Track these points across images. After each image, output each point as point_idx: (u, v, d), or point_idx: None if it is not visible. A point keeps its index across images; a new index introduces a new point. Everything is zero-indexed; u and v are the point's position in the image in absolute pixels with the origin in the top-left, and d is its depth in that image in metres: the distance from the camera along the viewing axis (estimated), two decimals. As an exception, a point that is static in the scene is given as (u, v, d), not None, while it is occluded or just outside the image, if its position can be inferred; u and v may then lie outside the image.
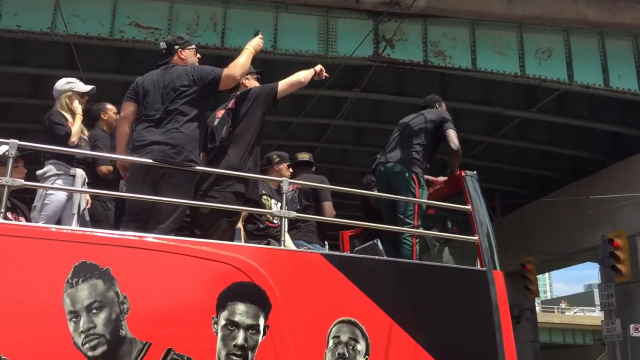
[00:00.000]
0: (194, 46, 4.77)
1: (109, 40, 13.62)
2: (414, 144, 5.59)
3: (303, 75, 4.76)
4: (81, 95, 5.18)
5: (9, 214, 3.86)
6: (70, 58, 14.04)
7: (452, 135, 5.60)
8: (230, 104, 4.68)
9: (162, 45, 4.68)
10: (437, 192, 5.72)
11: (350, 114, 16.50)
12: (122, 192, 4.55)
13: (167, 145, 4.15)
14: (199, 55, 4.80)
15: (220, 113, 4.71)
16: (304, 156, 6.10)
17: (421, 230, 5.22)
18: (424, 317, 4.50)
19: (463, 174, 5.19)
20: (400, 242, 5.25)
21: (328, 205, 5.72)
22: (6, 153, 3.64)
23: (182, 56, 4.62)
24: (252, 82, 4.81)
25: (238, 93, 4.72)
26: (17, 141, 3.69)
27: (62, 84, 5.22)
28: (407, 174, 5.40)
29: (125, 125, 4.47)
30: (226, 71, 4.49)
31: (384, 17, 13.45)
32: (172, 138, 4.18)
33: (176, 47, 4.62)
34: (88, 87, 5.26)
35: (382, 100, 16.66)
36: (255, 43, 4.74)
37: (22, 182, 3.79)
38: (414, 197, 5.34)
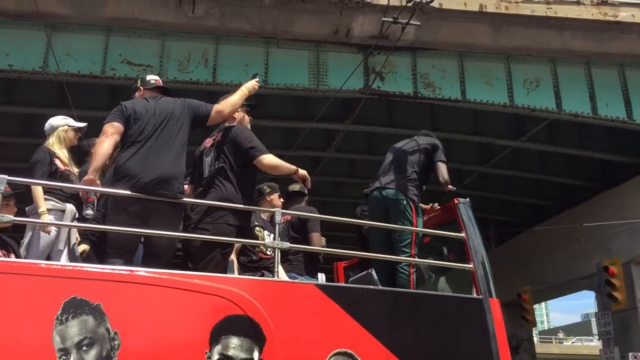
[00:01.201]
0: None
1: (100, 78, 13.72)
2: (409, 170, 5.60)
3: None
4: (75, 130, 5.20)
5: (-2, 251, 3.81)
6: (61, 96, 14.12)
7: (442, 168, 5.61)
8: (218, 136, 4.67)
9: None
10: (431, 220, 5.71)
11: (342, 147, 16.59)
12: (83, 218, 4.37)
13: (159, 178, 4.12)
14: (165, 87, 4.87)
15: (208, 143, 4.69)
16: (295, 187, 6.09)
17: (417, 259, 5.18)
18: (421, 347, 4.43)
19: (456, 201, 5.19)
20: (397, 272, 5.19)
21: (316, 236, 5.67)
22: None
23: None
24: (239, 115, 4.79)
25: (226, 125, 4.71)
26: (6, 176, 3.66)
27: (59, 119, 5.24)
28: (404, 202, 5.39)
29: (110, 144, 4.21)
30: (216, 107, 4.58)
31: (373, 50, 13.65)
32: (163, 170, 4.15)
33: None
34: (82, 124, 5.27)
35: (374, 132, 16.78)
36: (250, 85, 4.83)
37: (11, 217, 3.75)
38: (411, 225, 5.32)
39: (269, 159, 4.48)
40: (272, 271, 4.44)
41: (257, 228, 4.96)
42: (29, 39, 13.27)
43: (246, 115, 4.84)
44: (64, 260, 4.59)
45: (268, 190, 5.62)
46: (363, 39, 13.99)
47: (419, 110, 15.54)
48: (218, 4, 13.41)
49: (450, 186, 5.61)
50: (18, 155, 16.06)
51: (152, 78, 4.81)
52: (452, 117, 15.74)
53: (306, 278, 5.40)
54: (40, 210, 4.55)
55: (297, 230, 5.74)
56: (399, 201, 5.41)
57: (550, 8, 13.75)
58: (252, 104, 4.86)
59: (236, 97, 4.67)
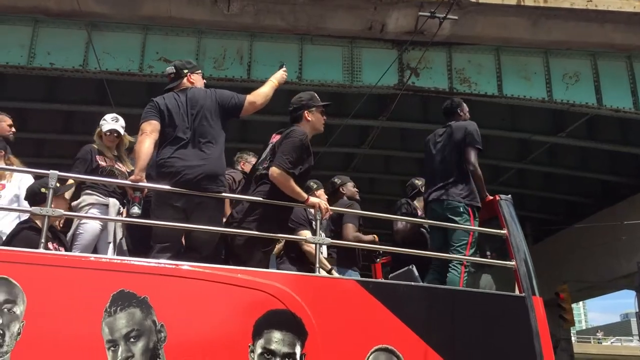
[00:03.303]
0: (201, 71, 4.80)
1: (138, 76, 13.95)
2: (454, 173, 5.48)
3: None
4: (107, 133, 5.26)
5: (49, 244, 3.91)
6: (100, 94, 14.42)
7: (469, 155, 5.46)
8: (276, 137, 4.59)
9: (170, 69, 4.66)
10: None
11: (376, 143, 16.52)
12: (130, 216, 4.42)
13: (204, 174, 4.17)
14: (204, 80, 4.82)
15: (274, 138, 4.61)
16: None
17: (459, 256, 5.11)
18: (463, 345, 4.39)
19: (497, 198, 5.12)
20: (449, 269, 5.15)
21: (350, 227, 5.74)
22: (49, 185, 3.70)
23: (192, 80, 4.62)
24: (315, 115, 4.67)
25: (294, 125, 4.62)
26: (57, 172, 3.75)
27: (103, 118, 5.34)
28: (460, 208, 5.31)
29: (151, 143, 4.21)
30: (249, 98, 4.56)
31: (408, 45, 13.55)
32: (208, 166, 4.20)
33: (185, 71, 4.63)
34: (108, 127, 5.30)
35: (409, 128, 16.65)
36: (279, 75, 4.83)
37: (61, 212, 3.85)
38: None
39: (280, 177, 4.24)
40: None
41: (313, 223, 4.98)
42: (69, 37, 13.59)
43: (320, 116, 4.70)
44: (110, 253, 4.70)
45: (315, 186, 5.68)
46: (397, 34, 13.90)
47: (455, 106, 15.35)
48: (253, 1, 13.50)
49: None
50: (60, 152, 16.51)
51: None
52: (488, 113, 15.50)
53: (346, 272, 5.42)
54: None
55: (336, 224, 5.81)
56: (455, 210, 5.33)
57: (591, 1, 13.42)
58: (327, 103, 4.79)
59: (267, 88, 4.66)
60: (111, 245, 4.78)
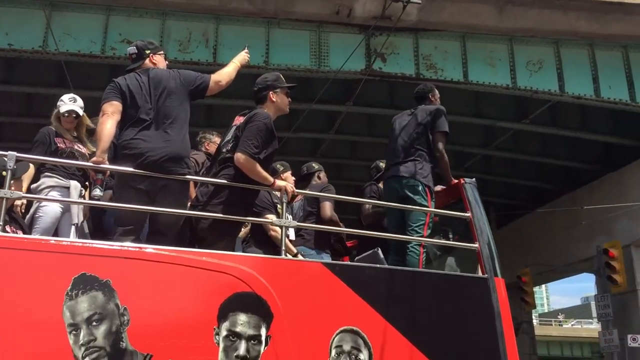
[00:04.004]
0: (163, 52, 4.73)
1: (100, 58, 13.62)
2: (416, 152, 5.55)
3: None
4: (64, 115, 5.12)
5: (7, 227, 3.80)
6: (61, 76, 14.04)
7: (438, 140, 5.53)
8: (241, 119, 4.53)
9: (132, 50, 4.56)
10: (436, 200, 5.70)
11: (343, 128, 16.55)
12: (92, 198, 4.31)
13: (168, 156, 4.11)
14: (167, 62, 4.75)
15: (237, 120, 4.56)
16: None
17: (422, 238, 5.19)
18: (426, 325, 4.46)
19: (462, 181, 5.19)
20: (408, 251, 5.21)
21: (327, 205, 5.76)
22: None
23: (154, 61, 4.55)
24: (280, 96, 4.63)
25: (258, 107, 4.58)
26: (15, 153, 3.65)
27: (60, 99, 5.19)
28: (419, 187, 5.37)
29: (113, 124, 4.13)
30: (214, 77, 4.54)
31: (374, 30, 13.55)
32: (172, 148, 4.14)
33: (147, 51, 4.55)
34: (66, 108, 5.15)
35: (375, 113, 16.71)
36: (241, 57, 4.83)
37: (20, 194, 3.76)
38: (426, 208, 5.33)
39: (246, 162, 4.21)
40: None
41: (278, 207, 4.98)
42: (28, 17, 13.15)
43: (285, 97, 4.67)
44: (72, 236, 4.60)
45: (282, 168, 5.67)
46: (365, 19, 13.87)
47: (421, 91, 15.45)
48: (218, -18, 13.30)
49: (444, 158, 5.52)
50: (19, 135, 16.06)
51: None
52: (454, 99, 15.60)
53: (317, 252, 5.45)
54: None
55: (312, 204, 5.84)
56: (414, 188, 5.38)
57: (556, -12, 13.63)
58: (292, 85, 4.75)
59: (230, 69, 4.67)
60: (73, 228, 4.68)
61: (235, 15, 13.86)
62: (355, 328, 4.12)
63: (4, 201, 3.57)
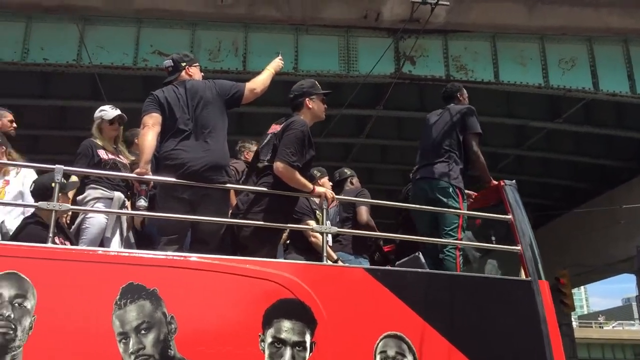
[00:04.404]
0: (198, 64, 4.81)
1: (133, 70, 13.86)
2: (446, 153, 5.50)
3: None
4: (110, 122, 5.22)
5: (56, 239, 3.88)
6: (94, 89, 14.36)
7: (471, 142, 5.47)
8: (277, 127, 4.55)
9: (168, 63, 4.65)
10: (475, 204, 5.64)
11: (373, 132, 16.51)
12: (137, 209, 4.37)
13: (209, 165, 4.16)
14: (202, 73, 4.82)
15: (274, 129, 4.59)
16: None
17: (464, 242, 5.13)
18: (470, 329, 4.40)
19: (502, 183, 5.12)
20: (444, 255, 5.16)
21: (363, 209, 5.76)
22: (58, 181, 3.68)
23: (190, 73, 4.62)
24: (316, 103, 4.66)
25: (294, 114, 4.60)
26: (62, 166, 3.73)
27: (98, 110, 5.29)
28: (449, 189, 5.32)
29: (153, 136, 4.22)
30: (249, 85, 4.59)
31: (403, 34, 13.51)
32: (212, 157, 4.19)
33: (183, 64, 4.63)
34: (114, 114, 5.27)
35: (405, 117, 16.64)
36: (275, 64, 4.87)
37: (68, 206, 3.85)
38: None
39: (285, 171, 4.21)
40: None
41: (317, 212, 5.00)
42: (62, 32, 13.47)
43: (321, 104, 4.70)
44: (115, 246, 4.68)
45: (318, 174, 5.69)
46: (393, 22, 13.84)
47: (451, 93, 15.33)
48: (246, -9, 13.43)
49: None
50: (55, 148, 16.43)
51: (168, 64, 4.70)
52: (485, 100, 15.46)
53: (356, 258, 5.45)
54: None
55: (348, 209, 5.85)
56: (444, 190, 5.33)
57: (586, -16, 13.42)
58: (328, 92, 4.77)
59: (264, 76, 4.72)
60: (118, 239, 4.76)
61: (264, 23, 13.98)
62: (399, 333, 4.09)
63: (53, 213, 3.65)
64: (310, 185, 4.36)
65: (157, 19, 13.78)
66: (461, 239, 5.21)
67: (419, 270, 4.59)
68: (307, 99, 4.60)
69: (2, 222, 4.43)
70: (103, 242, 4.73)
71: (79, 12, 13.21)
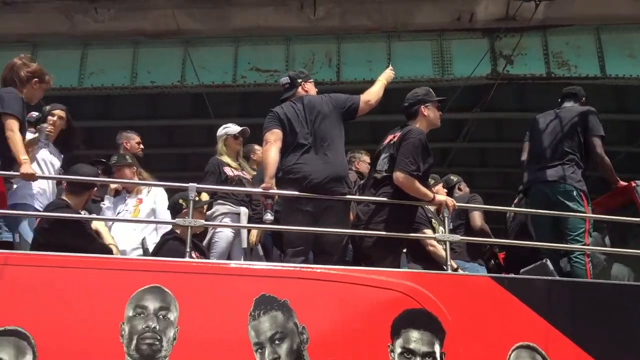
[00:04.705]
0: (312, 80, 4.92)
1: (232, 87, 14.36)
2: (566, 156, 5.30)
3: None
4: (235, 137, 5.47)
5: (192, 253, 4.08)
6: (196, 107, 15.00)
7: (596, 145, 5.38)
8: (395, 136, 4.57)
9: (285, 80, 4.82)
10: (600, 205, 5.37)
11: (472, 136, 16.11)
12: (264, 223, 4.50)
13: (330, 177, 4.23)
14: (316, 89, 4.92)
15: (388, 139, 4.67)
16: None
17: (593, 247, 4.89)
18: (609, 339, 4.17)
19: (633, 184, 4.85)
20: (572, 262, 4.94)
21: (476, 215, 5.71)
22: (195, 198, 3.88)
23: (305, 88, 4.75)
24: (431, 110, 4.70)
25: (409, 124, 4.63)
26: (195, 184, 3.93)
27: (221, 128, 5.56)
28: (574, 193, 5.11)
29: (276, 151, 4.36)
30: (364, 97, 4.66)
31: (499, 33, 13.13)
32: (333, 169, 4.26)
33: (299, 80, 4.78)
34: (238, 129, 5.52)
35: (504, 118, 16.11)
36: (386, 75, 4.99)
37: (202, 222, 4.04)
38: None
39: (405, 181, 4.24)
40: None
41: (433, 221, 4.97)
42: (167, 56, 14.21)
43: (436, 110, 4.73)
44: (243, 259, 4.87)
45: (432, 182, 5.65)
46: (487, 22, 13.49)
47: (553, 91, 14.57)
48: (338, 3, 13.55)
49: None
50: (164, 166, 17.31)
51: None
52: (591, 96, 14.56)
53: (472, 265, 5.35)
54: None
55: (460, 215, 5.80)
56: (568, 193, 5.12)
57: (702, -34, 12.45)
58: (443, 98, 4.79)
59: (377, 87, 4.80)
60: (243, 252, 4.95)
61: (356, 32, 14.05)
62: (531, 344, 3.95)
63: (189, 229, 3.84)
64: (431, 194, 4.33)
65: (253, 36, 14.23)
66: (589, 244, 4.97)
67: (550, 278, 4.40)
68: (422, 106, 4.59)
69: (144, 238, 4.73)
70: (231, 254, 4.94)
71: (181, 36, 13.89)
